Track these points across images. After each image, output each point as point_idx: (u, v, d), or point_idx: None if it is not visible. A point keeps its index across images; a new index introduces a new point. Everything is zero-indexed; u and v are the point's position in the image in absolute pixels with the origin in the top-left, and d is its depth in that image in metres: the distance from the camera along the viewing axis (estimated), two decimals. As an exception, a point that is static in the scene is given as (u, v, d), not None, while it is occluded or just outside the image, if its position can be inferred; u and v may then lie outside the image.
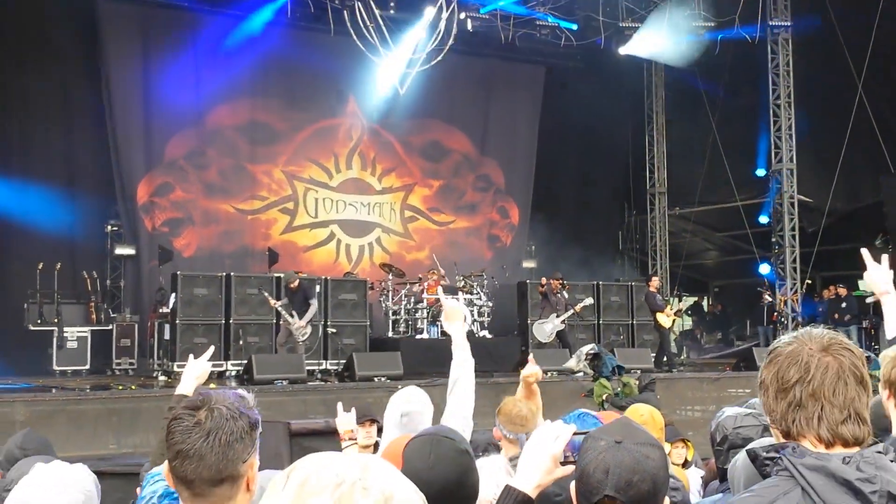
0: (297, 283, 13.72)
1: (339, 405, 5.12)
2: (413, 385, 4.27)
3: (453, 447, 2.45)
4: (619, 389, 10.19)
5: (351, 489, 1.27)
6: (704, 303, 26.61)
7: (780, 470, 1.76)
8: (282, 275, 14.83)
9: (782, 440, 1.83)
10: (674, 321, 16.44)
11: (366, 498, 1.26)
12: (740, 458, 1.95)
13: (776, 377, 1.83)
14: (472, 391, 3.82)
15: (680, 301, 17.84)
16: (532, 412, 4.27)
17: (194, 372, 3.34)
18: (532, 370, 4.67)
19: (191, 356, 3.51)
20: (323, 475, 1.29)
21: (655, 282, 16.38)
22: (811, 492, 1.69)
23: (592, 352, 11.16)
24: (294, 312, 13.57)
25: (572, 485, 2.03)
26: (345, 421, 5.17)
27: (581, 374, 14.61)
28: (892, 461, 1.75)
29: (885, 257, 3.41)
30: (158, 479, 2.65)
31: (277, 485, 1.32)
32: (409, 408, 3.97)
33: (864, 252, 3.42)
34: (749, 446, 2.02)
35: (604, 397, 9.64)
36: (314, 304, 13.80)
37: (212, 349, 4.01)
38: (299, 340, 13.73)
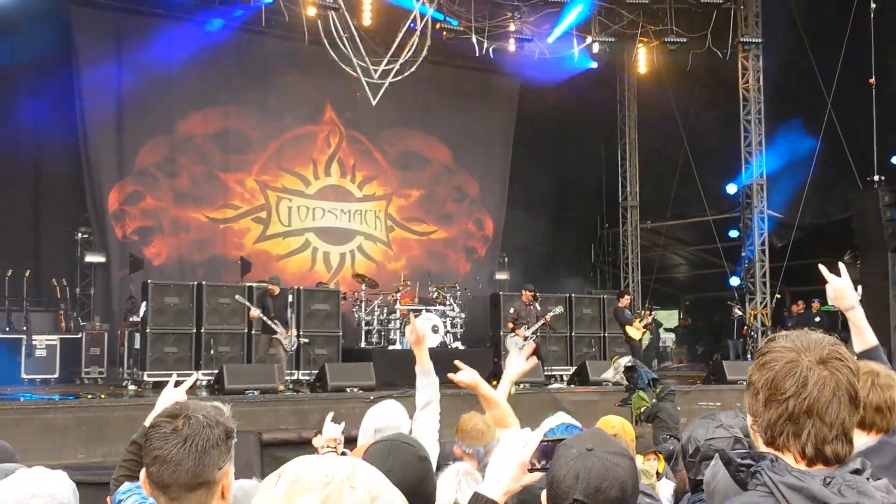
0: (278, 289, 13.47)
1: (330, 415, 5.04)
2: (391, 399, 4.28)
3: (412, 453, 2.49)
4: (653, 401, 10.25)
5: (340, 487, 1.33)
6: (675, 317, 26.77)
7: (758, 485, 1.73)
8: (254, 284, 14.74)
9: (763, 446, 1.81)
10: (643, 333, 16.53)
11: (353, 496, 1.33)
12: (721, 470, 1.95)
13: (770, 384, 1.78)
14: (438, 413, 3.85)
15: (650, 314, 17.92)
16: (488, 426, 4.29)
17: (166, 403, 3.29)
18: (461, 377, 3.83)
19: (170, 382, 3.46)
20: (313, 474, 1.36)
21: (626, 300, 16.41)
22: None
23: (629, 364, 11.25)
24: (276, 321, 13.21)
25: (543, 493, 2.06)
26: (331, 429, 5.14)
27: (554, 386, 14.72)
28: (868, 478, 1.75)
29: (842, 268, 3.32)
30: (130, 494, 2.73)
31: (269, 483, 1.39)
32: (383, 423, 3.99)
33: (822, 268, 3.38)
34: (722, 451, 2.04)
35: (641, 409, 9.72)
36: (290, 311, 13.55)
37: (194, 377, 3.99)
38: (290, 350, 13.58)
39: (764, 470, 1.73)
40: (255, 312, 13.26)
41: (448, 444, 4.37)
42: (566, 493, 1.98)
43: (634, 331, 15.82)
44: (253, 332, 13.99)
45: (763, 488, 1.72)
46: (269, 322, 13.12)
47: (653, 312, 18.44)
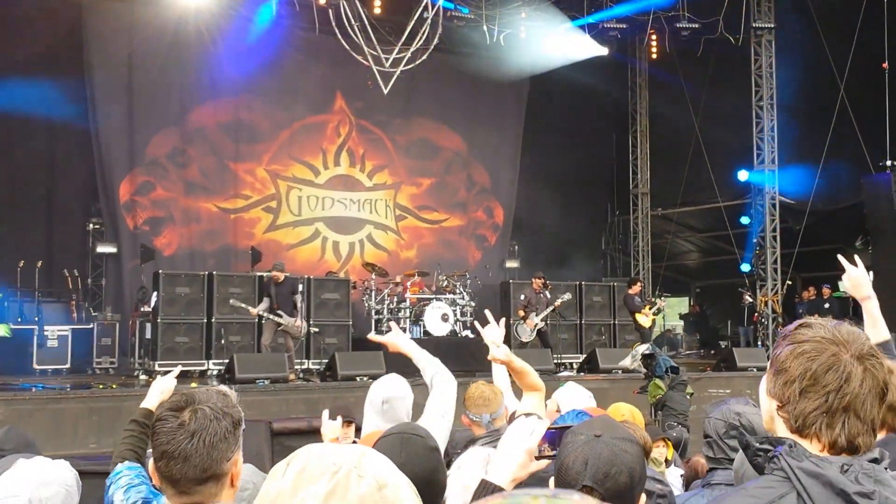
0: (283, 276, 13.39)
1: (325, 412, 5.03)
2: (394, 374, 4.32)
3: (423, 445, 2.51)
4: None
5: (347, 475, 1.35)
6: (685, 304, 26.70)
7: (775, 469, 1.74)
8: (265, 274, 14.73)
9: (785, 432, 1.81)
10: (653, 321, 16.49)
11: (360, 484, 1.34)
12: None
13: (808, 374, 1.76)
14: (451, 387, 3.82)
15: (663, 301, 17.85)
16: (495, 393, 4.36)
17: (160, 388, 3.43)
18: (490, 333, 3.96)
19: (158, 376, 3.58)
20: (320, 463, 1.37)
21: (636, 287, 16.37)
22: (807, 499, 1.67)
23: (647, 352, 11.28)
24: (281, 312, 13.18)
25: (552, 480, 2.06)
26: (330, 428, 5.10)
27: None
28: (886, 468, 1.75)
29: (858, 259, 3.41)
30: (120, 476, 2.82)
31: (277, 472, 1.40)
32: (390, 394, 4.04)
33: (840, 257, 3.44)
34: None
35: (657, 397, 9.73)
36: (299, 298, 13.43)
37: (179, 368, 4.05)
38: (300, 338, 13.58)
39: (782, 454, 1.73)
40: (255, 311, 13.26)
41: (458, 432, 4.37)
42: (575, 480, 1.99)
43: (644, 318, 15.79)
44: (264, 320, 13.98)
45: (780, 472, 1.73)
46: (272, 317, 13.12)
47: (663, 299, 18.33)
